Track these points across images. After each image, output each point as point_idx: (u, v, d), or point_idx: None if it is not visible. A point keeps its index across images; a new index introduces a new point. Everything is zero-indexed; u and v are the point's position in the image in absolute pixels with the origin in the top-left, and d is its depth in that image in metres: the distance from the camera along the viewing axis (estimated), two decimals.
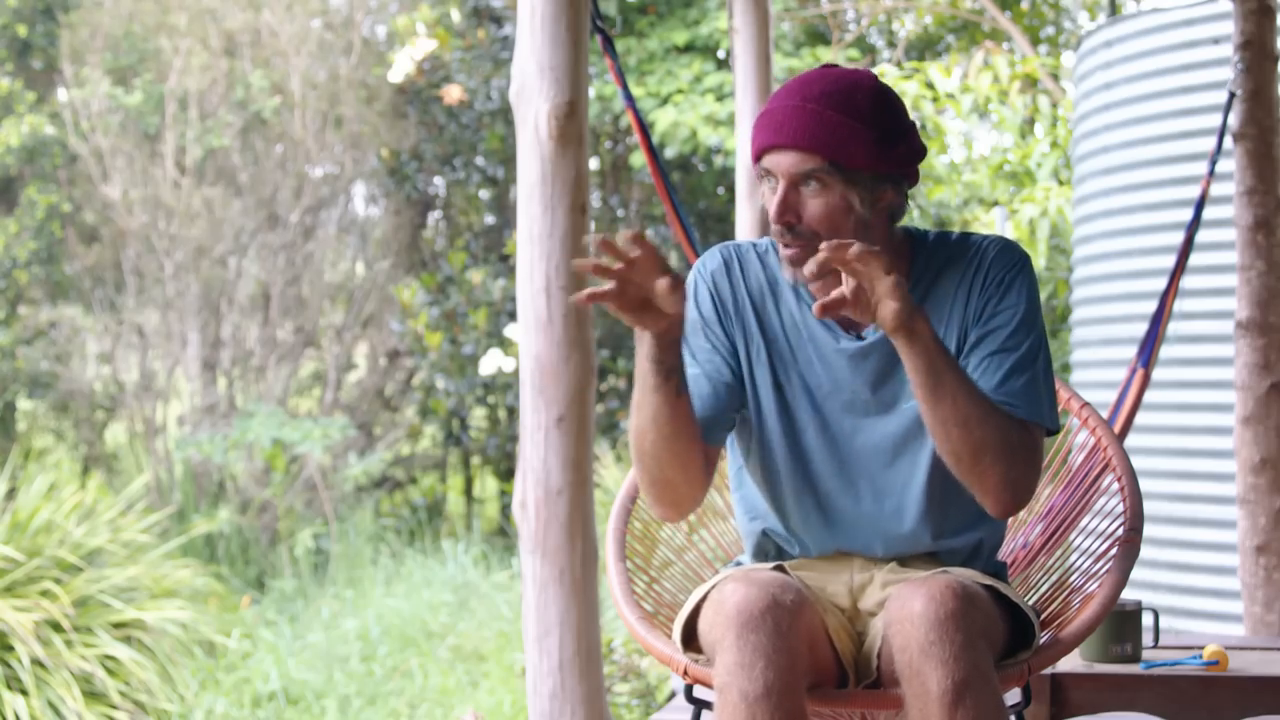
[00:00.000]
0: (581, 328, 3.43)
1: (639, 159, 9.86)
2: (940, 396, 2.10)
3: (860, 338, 2.27)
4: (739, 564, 2.44)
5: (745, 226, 5.45)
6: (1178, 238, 4.16)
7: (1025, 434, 2.17)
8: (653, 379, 2.13)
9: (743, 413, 2.31)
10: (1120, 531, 2.40)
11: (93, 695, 6.07)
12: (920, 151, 2.22)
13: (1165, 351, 4.21)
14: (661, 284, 2.04)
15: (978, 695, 1.98)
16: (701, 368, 2.27)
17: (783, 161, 2.16)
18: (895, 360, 2.25)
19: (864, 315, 2.06)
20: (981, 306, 2.24)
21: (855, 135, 2.14)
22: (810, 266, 2.03)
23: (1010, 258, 2.26)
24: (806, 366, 2.29)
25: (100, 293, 10.34)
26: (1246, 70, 4.16)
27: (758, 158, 2.20)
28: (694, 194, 10.58)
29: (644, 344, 2.11)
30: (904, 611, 2.04)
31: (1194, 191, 4.25)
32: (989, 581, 2.20)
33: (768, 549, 2.37)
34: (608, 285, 2.04)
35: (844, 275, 2.04)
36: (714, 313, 2.31)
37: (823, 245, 2.02)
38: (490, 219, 10.98)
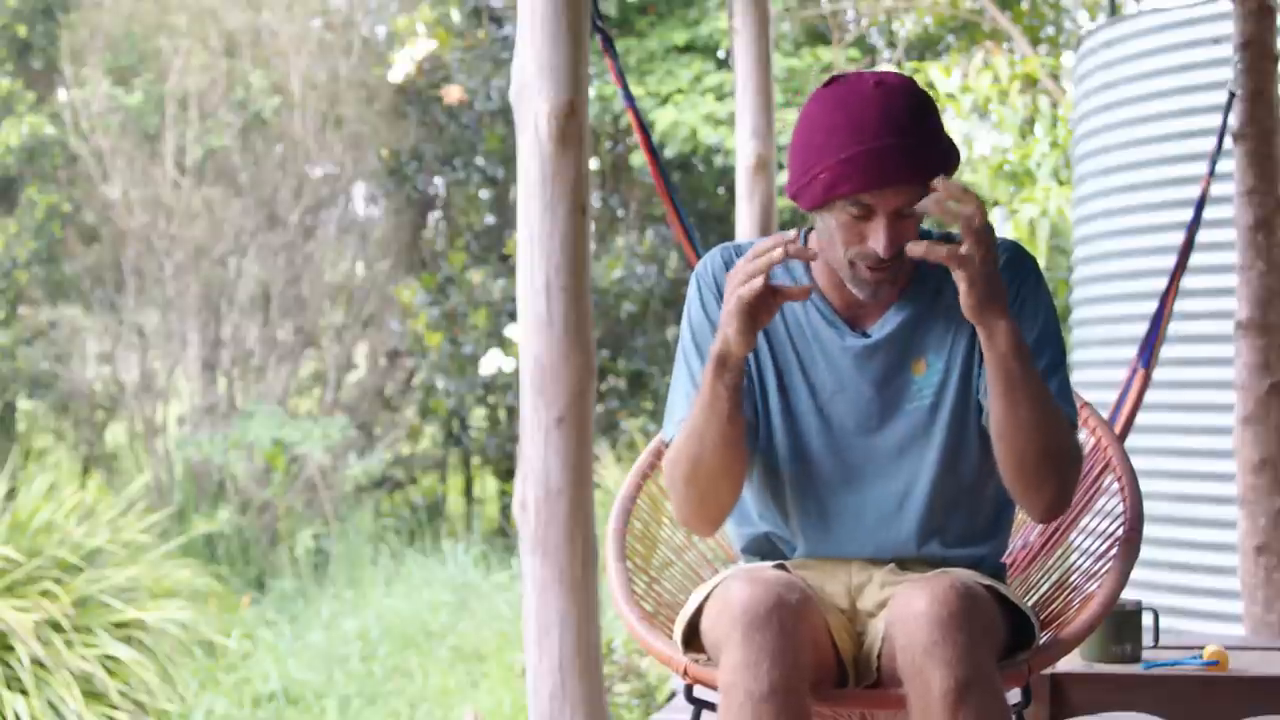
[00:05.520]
0: (581, 328, 3.43)
1: (639, 159, 9.86)
2: (1016, 401, 2.12)
3: (866, 335, 2.27)
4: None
5: (745, 226, 5.44)
6: (1178, 238, 4.15)
7: (1073, 440, 2.21)
8: (728, 407, 2.15)
9: None
10: (1120, 531, 2.40)
11: (93, 695, 6.07)
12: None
13: (1165, 351, 4.19)
14: (794, 290, 2.09)
15: (980, 696, 1.98)
16: None
17: (890, 199, 2.13)
18: (902, 360, 2.26)
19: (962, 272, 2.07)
20: None
21: (942, 157, 2.15)
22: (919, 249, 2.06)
23: (1023, 266, 2.28)
24: (811, 366, 2.28)
25: (100, 293, 10.34)
26: (1246, 70, 4.16)
27: (851, 194, 2.14)
28: (694, 194, 10.58)
29: (729, 371, 2.13)
30: (907, 611, 2.04)
31: (1194, 191, 4.24)
32: (989, 582, 2.20)
33: (762, 552, 2.36)
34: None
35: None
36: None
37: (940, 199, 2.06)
38: (490, 219, 10.98)
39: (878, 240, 2.15)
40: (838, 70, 10.64)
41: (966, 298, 2.07)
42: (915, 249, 2.07)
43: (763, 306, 2.09)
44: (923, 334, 2.27)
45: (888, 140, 2.12)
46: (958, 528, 2.29)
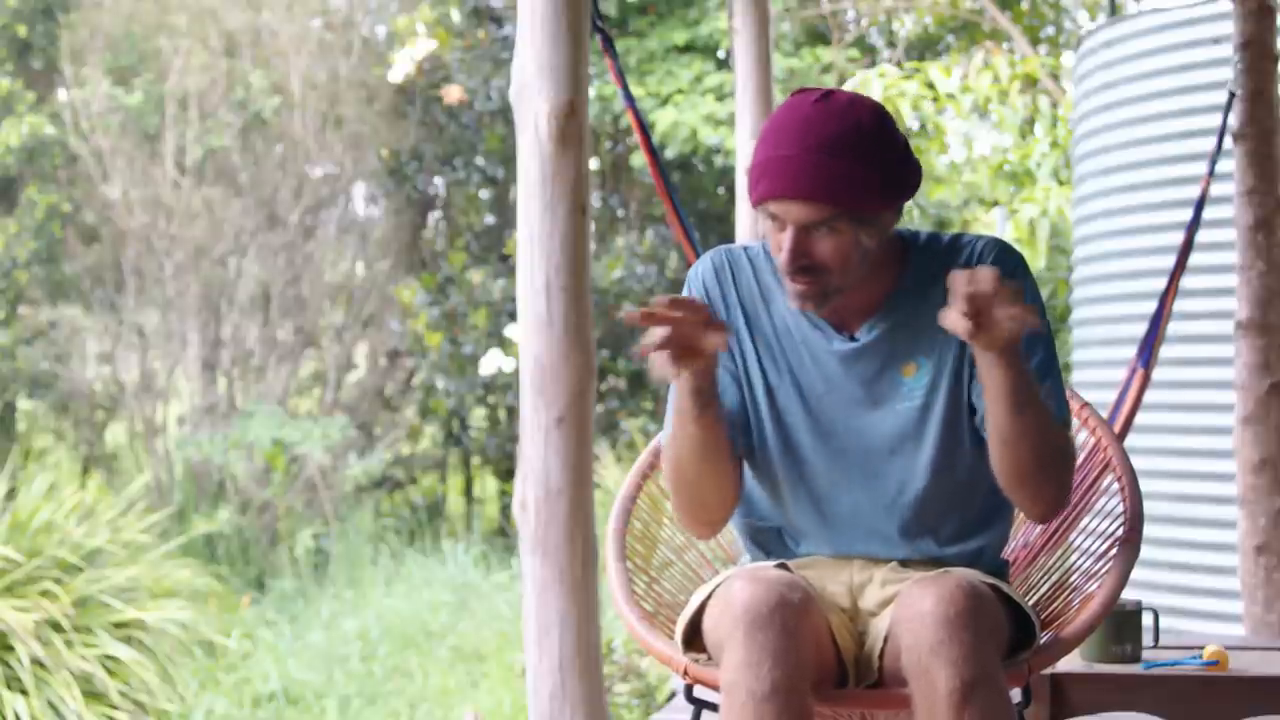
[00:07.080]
0: (581, 328, 3.43)
1: (639, 159, 9.86)
2: (1023, 410, 2.09)
3: (853, 339, 2.27)
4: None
5: (745, 226, 5.45)
6: (1178, 238, 4.15)
7: (1066, 439, 2.20)
8: (693, 410, 2.14)
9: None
10: (1120, 531, 2.40)
11: (93, 695, 6.07)
12: (919, 170, 2.21)
13: (1165, 351, 4.19)
14: (712, 337, 2.03)
15: (986, 695, 1.99)
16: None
17: (792, 211, 2.12)
18: (887, 362, 2.25)
19: (979, 339, 2.00)
20: None
21: (864, 183, 2.11)
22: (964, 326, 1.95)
23: (1010, 262, 2.26)
24: (799, 368, 2.29)
25: (100, 293, 10.34)
26: (1246, 70, 4.16)
27: (760, 201, 2.15)
28: (694, 194, 10.59)
29: (682, 380, 2.12)
30: (913, 610, 2.04)
31: (1194, 191, 4.24)
32: (991, 581, 2.20)
33: (767, 544, 2.36)
34: (660, 335, 2.02)
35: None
36: None
37: (961, 287, 1.95)
38: (490, 219, 10.98)
39: (784, 251, 2.14)
40: (837, 70, 10.65)
41: (989, 347, 2.01)
42: (946, 321, 1.98)
43: (685, 354, 2.04)
44: (910, 337, 2.25)
45: (792, 151, 2.10)
46: (952, 525, 2.29)
